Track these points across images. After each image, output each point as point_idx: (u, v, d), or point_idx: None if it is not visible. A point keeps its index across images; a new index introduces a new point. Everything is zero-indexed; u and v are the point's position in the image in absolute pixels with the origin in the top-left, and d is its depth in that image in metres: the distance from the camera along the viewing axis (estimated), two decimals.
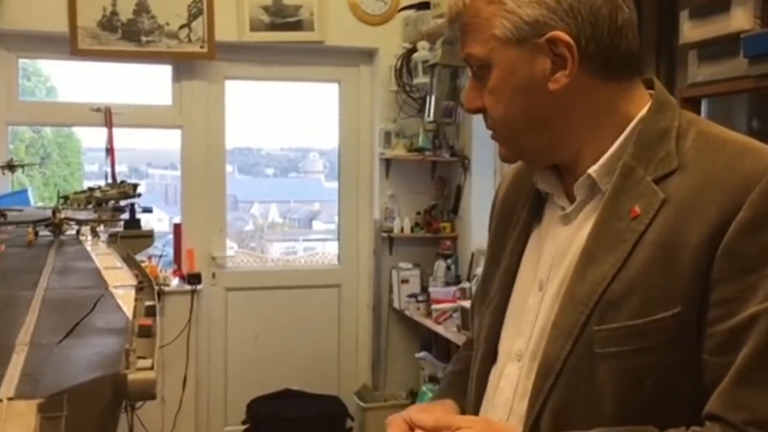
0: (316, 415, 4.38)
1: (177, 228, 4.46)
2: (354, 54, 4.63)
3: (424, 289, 4.42)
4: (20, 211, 3.18)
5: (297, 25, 4.37)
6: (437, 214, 4.59)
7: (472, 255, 4.31)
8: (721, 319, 0.93)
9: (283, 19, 4.35)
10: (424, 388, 4.16)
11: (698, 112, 2.68)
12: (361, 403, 4.44)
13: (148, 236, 2.94)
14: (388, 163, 4.55)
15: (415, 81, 4.28)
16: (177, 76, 4.46)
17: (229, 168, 4.85)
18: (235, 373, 4.55)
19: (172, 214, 5.06)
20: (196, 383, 4.42)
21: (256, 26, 4.33)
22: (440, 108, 4.03)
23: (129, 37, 4.17)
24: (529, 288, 1.10)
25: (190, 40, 4.24)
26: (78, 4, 4.04)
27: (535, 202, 1.15)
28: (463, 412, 1.16)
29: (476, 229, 4.32)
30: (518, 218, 1.17)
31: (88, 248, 2.22)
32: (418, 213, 4.61)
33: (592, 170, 1.03)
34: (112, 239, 2.52)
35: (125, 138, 4.57)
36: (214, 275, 4.53)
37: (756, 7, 2.35)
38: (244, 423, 4.38)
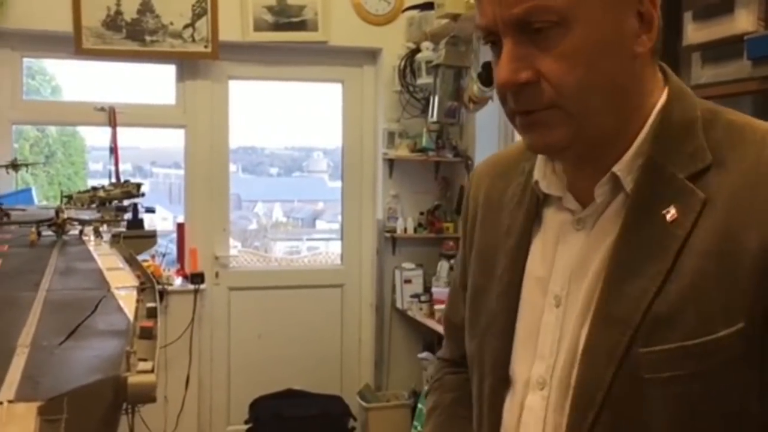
0: (319, 415, 4.38)
1: (180, 227, 4.47)
2: (357, 54, 4.63)
3: (427, 289, 4.42)
4: (23, 210, 3.19)
5: (301, 25, 4.38)
6: (440, 214, 4.59)
7: None
8: None
9: (286, 19, 4.36)
10: (426, 389, 4.15)
11: None
12: (364, 403, 4.44)
13: (151, 237, 2.94)
14: (391, 163, 4.55)
15: (419, 81, 4.28)
16: (181, 76, 4.46)
17: (232, 167, 4.86)
18: (238, 373, 4.55)
19: (176, 213, 5.07)
20: (199, 383, 4.43)
21: (259, 26, 4.33)
22: (443, 108, 4.03)
23: (133, 37, 4.17)
24: (541, 304, 0.96)
25: (194, 40, 4.24)
26: (82, 3, 4.05)
27: (531, 205, 1.02)
28: None
29: None
30: (510, 223, 1.03)
31: (91, 249, 2.22)
32: (422, 213, 4.61)
33: (617, 167, 0.90)
34: (115, 239, 2.53)
35: (129, 137, 4.58)
36: (217, 275, 4.53)
37: (760, 8, 2.34)
38: (246, 422, 4.38)
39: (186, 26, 4.23)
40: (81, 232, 2.51)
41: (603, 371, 0.86)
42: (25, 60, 4.37)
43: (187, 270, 4.41)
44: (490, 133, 4.34)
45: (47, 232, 2.43)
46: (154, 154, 6.44)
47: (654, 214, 0.87)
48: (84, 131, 5.49)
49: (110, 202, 3.30)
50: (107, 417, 1.09)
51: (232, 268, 4.63)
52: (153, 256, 4.26)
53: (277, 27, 4.35)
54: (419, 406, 4.14)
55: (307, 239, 6.54)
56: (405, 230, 4.55)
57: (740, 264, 0.82)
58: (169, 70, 4.48)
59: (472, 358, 1.07)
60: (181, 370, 4.28)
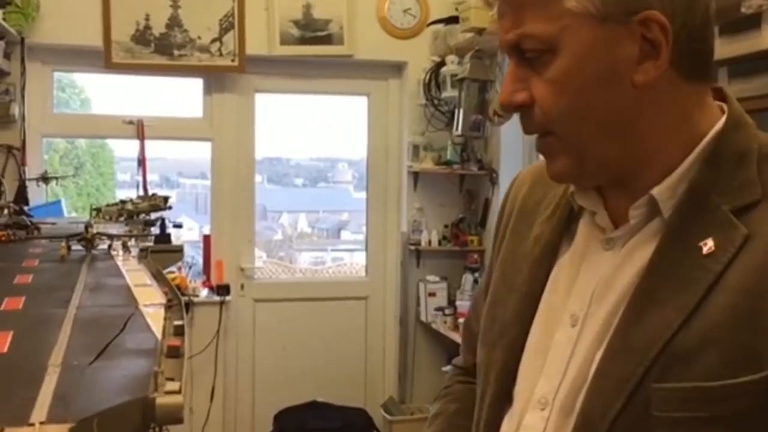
0: (343, 427, 4.39)
1: (206, 239, 4.51)
2: (383, 67, 4.65)
3: (452, 302, 4.42)
4: (54, 224, 3.23)
5: (327, 39, 4.41)
6: (465, 227, 4.59)
7: None
8: None
9: (312, 33, 4.39)
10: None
11: None
12: (388, 416, 4.44)
13: (178, 251, 2.97)
14: (416, 175, 4.56)
15: (444, 95, 4.29)
16: (208, 89, 4.51)
17: (258, 177, 4.90)
18: (262, 385, 4.58)
19: (202, 223, 5.12)
20: (224, 394, 4.46)
21: (286, 40, 4.37)
22: (468, 122, 4.04)
23: (161, 51, 4.23)
24: (556, 322, 0.92)
25: (221, 54, 4.29)
26: (112, 18, 4.12)
27: (564, 215, 0.98)
28: None
29: None
30: (540, 233, 0.99)
31: (119, 264, 2.25)
32: (446, 226, 4.61)
33: (656, 191, 0.86)
34: (143, 254, 2.56)
35: (156, 148, 4.64)
36: (242, 286, 4.57)
37: None
38: None
39: (213, 40, 4.27)
40: (110, 246, 2.54)
41: (611, 402, 0.81)
42: (55, 73, 4.44)
43: (213, 282, 4.45)
44: (514, 146, 4.34)
45: (77, 247, 2.46)
46: (180, 164, 6.50)
47: (690, 243, 0.83)
48: (112, 142, 5.56)
49: (138, 215, 3.33)
50: None
51: (258, 279, 4.66)
52: (180, 268, 4.30)
53: (303, 41, 4.39)
54: None
55: (332, 250, 6.57)
56: (429, 243, 4.55)
57: None
58: (197, 84, 4.53)
59: (479, 368, 1.04)
60: (207, 381, 4.31)
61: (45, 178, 4.02)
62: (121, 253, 2.46)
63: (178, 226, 3.31)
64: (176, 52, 4.24)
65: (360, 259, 5.07)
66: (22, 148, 4.10)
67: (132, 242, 2.69)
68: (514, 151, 4.34)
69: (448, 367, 4.62)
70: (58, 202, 4.29)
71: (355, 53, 4.46)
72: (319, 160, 6.52)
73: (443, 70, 4.24)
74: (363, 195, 4.95)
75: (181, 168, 6.57)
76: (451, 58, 4.17)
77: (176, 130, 4.57)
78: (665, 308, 0.81)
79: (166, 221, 3.08)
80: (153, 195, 3.66)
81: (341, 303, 4.73)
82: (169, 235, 3.02)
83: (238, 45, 4.28)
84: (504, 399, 0.96)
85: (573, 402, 0.86)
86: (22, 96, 4.09)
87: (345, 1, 4.40)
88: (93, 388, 1.14)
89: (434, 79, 4.38)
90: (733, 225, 0.81)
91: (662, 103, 0.85)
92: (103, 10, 4.10)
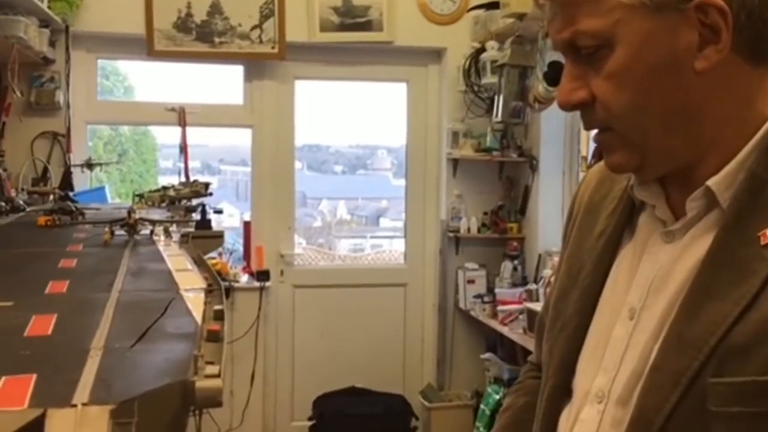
0: (381, 414, 4.41)
1: (247, 226, 4.55)
2: (422, 54, 4.63)
3: (490, 289, 4.40)
4: (98, 209, 3.29)
5: (366, 26, 4.40)
6: (504, 214, 4.56)
7: (539, 256, 4.27)
8: None
9: (352, 20, 4.38)
10: (489, 389, 4.14)
11: None
12: (426, 403, 4.45)
13: (219, 237, 3.01)
14: (455, 162, 4.54)
15: (484, 81, 4.26)
16: (248, 76, 4.54)
17: (297, 164, 4.92)
18: (301, 370, 4.61)
19: (243, 210, 5.17)
20: (264, 379, 4.51)
21: (326, 27, 4.37)
22: (508, 108, 4.01)
23: (203, 38, 4.26)
24: (616, 315, 0.91)
25: (261, 41, 4.30)
26: (154, 6, 4.16)
27: (626, 210, 0.97)
28: None
29: (544, 230, 4.28)
30: (604, 228, 0.99)
31: (161, 249, 2.28)
32: (485, 213, 4.59)
33: (713, 182, 0.84)
34: (184, 239, 2.59)
35: (198, 135, 4.69)
36: (282, 272, 4.60)
37: None
38: (310, 419, 4.44)
39: (254, 28, 4.29)
40: (152, 231, 2.57)
41: (667, 395, 0.80)
42: (99, 61, 4.50)
43: (253, 267, 4.49)
44: (555, 133, 4.30)
45: (119, 232, 2.50)
46: (222, 151, 6.57)
47: (749, 234, 0.80)
48: (155, 129, 5.64)
49: (179, 201, 3.38)
50: (175, 420, 1.12)
51: (297, 266, 4.69)
52: (220, 254, 4.35)
53: (342, 27, 4.39)
54: (481, 406, 4.12)
55: (371, 237, 6.59)
56: (468, 230, 4.53)
57: None
58: (237, 71, 4.56)
59: (543, 362, 1.04)
60: (247, 366, 4.36)
61: (89, 165, 4.09)
62: (162, 238, 2.50)
63: (219, 212, 3.34)
64: (217, 40, 4.27)
65: (399, 246, 5.07)
66: (67, 135, 4.17)
67: (173, 228, 2.73)
68: (554, 138, 4.30)
69: (486, 354, 4.58)
70: (101, 188, 4.36)
71: (394, 40, 4.45)
72: (359, 147, 6.53)
73: (483, 56, 4.20)
74: (402, 182, 4.95)
75: (223, 155, 6.64)
76: (491, 44, 4.13)
77: (217, 117, 4.61)
78: (722, 301, 0.79)
79: (207, 207, 3.11)
80: (194, 181, 3.71)
81: (380, 290, 4.74)
82: (209, 221, 3.05)
83: (278, 32, 4.30)
84: (563, 392, 0.96)
85: (629, 395, 0.85)
86: (67, 83, 4.17)
87: None
88: (134, 370, 1.15)
89: (474, 65, 4.34)
90: None
91: (725, 88, 0.83)
92: None
